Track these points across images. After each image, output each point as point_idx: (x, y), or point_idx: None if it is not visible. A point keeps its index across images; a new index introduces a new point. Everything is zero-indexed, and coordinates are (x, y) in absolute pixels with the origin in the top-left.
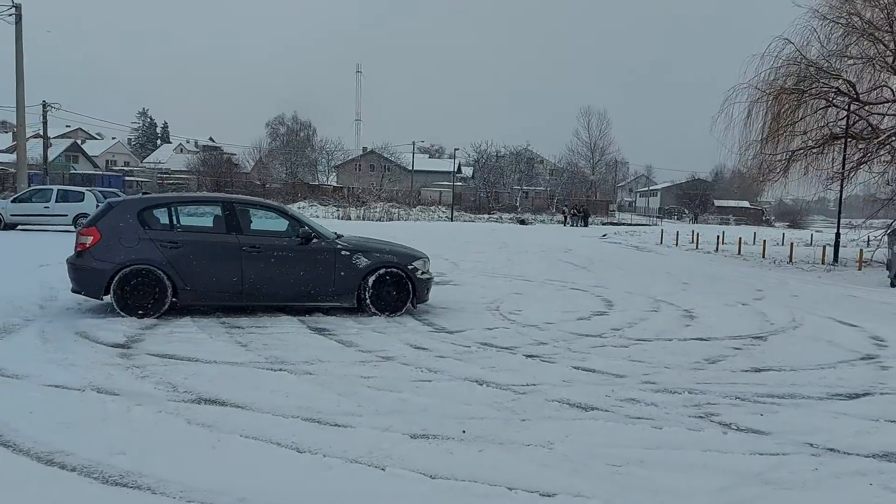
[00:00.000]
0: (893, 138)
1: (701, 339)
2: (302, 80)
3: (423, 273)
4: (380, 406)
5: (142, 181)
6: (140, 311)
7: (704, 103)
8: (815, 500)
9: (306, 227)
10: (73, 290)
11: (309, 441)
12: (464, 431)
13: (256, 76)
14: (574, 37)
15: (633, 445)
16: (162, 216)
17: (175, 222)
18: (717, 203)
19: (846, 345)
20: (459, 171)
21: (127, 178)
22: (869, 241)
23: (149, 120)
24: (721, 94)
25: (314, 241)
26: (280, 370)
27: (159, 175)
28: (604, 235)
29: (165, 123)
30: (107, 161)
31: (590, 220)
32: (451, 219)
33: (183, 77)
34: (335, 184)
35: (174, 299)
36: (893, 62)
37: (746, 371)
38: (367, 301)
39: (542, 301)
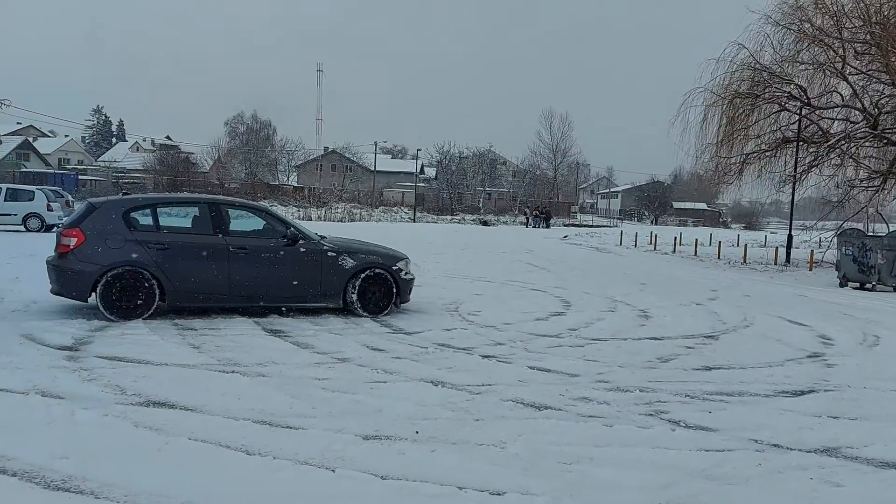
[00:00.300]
0: (843, 142)
1: (655, 339)
2: (262, 78)
3: (406, 274)
4: (333, 407)
5: (96, 179)
6: (127, 313)
7: (664, 106)
8: (757, 494)
9: (293, 229)
10: (54, 293)
11: (259, 443)
12: (417, 432)
13: (215, 74)
14: (536, 40)
15: (584, 443)
16: (147, 217)
17: (160, 224)
18: (676, 205)
19: (794, 343)
20: (422, 172)
21: (81, 176)
22: (820, 242)
23: (104, 117)
24: (678, 98)
25: (300, 242)
26: (233, 372)
27: (114, 174)
28: (565, 237)
29: (121, 121)
30: (59, 159)
31: (552, 221)
32: (414, 220)
33: (139, 74)
34: (296, 184)
35: (161, 301)
36: (842, 68)
37: (697, 369)
38: (355, 301)
39: (501, 302)
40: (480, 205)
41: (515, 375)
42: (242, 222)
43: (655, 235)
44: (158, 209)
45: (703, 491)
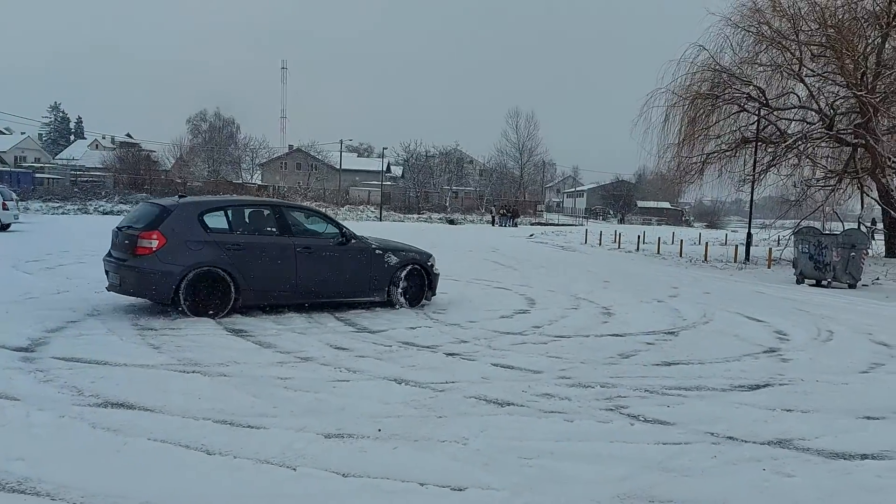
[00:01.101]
0: (800, 143)
1: (616, 335)
2: (225, 76)
3: (435, 269)
4: (295, 406)
5: (53, 178)
6: (210, 312)
7: (628, 107)
8: (712, 485)
9: (346, 229)
10: (131, 294)
11: (220, 443)
12: (379, 430)
13: (177, 71)
14: (502, 40)
15: (545, 438)
16: (220, 220)
17: (233, 225)
18: (640, 204)
19: (751, 339)
20: (389, 170)
21: (37, 175)
22: (779, 240)
23: (61, 114)
24: (642, 99)
25: (353, 241)
26: (193, 372)
27: (73, 172)
28: (531, 235)
29: (79, 118)
30: (15, 157)
31: (518, 220)
32: (380, 218)
33: (98, 70)
34: (260, 182)
35: (236, 298)
36: (799, 70)
37: (657, 365)
38: (398, 295)
39: (466, 300)
40: (447, 203)
41: (479, 373)
42: (303, 224)
43: (619, 234)
44: (230, 212)
45: (660, 483)
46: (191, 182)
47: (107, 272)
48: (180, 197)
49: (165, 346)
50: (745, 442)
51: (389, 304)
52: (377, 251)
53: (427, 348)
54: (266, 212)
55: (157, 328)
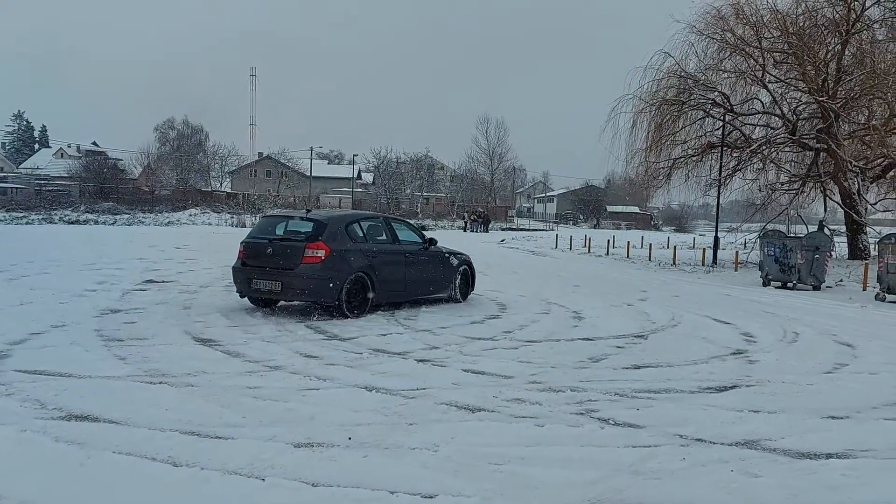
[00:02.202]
0: (764, 147)
1: (587, 339)
2: (193, 84)
3: (474, 268)
4: (264, 416)
5: (16, 187)
6: (355, 312)
7: (597, 112)
8: (681, 487)
9: (427, 236)
10: (295, 299)
11: (186, 454)
12: (349, 438)
13: (144, 78)
14: (471, 47)
15: (516, 444)
16: (358, 231)
17: (367, 236)
18: (610, 209)
19: (719, 341)
20: (360, 177)
21: (0, 184)
22: (745, 243)
23: (25, 122)
24: (610, 105)
25: (432, 247)
26: (160, 383)
27: (37, 181)
28: (502, 241)
29: (44, 126)
30: None
31: (490, 225)
32: None
33: (63, 77)
34: (229, 190)
35: (372, 299)
36: (763, 76)
37: (627, 368)
38: (457, 291)
39: (435, 306)
40: (418, 210)
41: (450, 379)
42: (400, 233)
43: (589, 239)
44: (361, 224)
45: (630, 486)
46: (158, 190)
47: (247, 280)
48: (307, 211)
49: (132, 358)
50: (714, 443)
51: (453, 299)
52: (446, 254)
53: (398, 355)
54: (380, 224)
55: (123, 339)
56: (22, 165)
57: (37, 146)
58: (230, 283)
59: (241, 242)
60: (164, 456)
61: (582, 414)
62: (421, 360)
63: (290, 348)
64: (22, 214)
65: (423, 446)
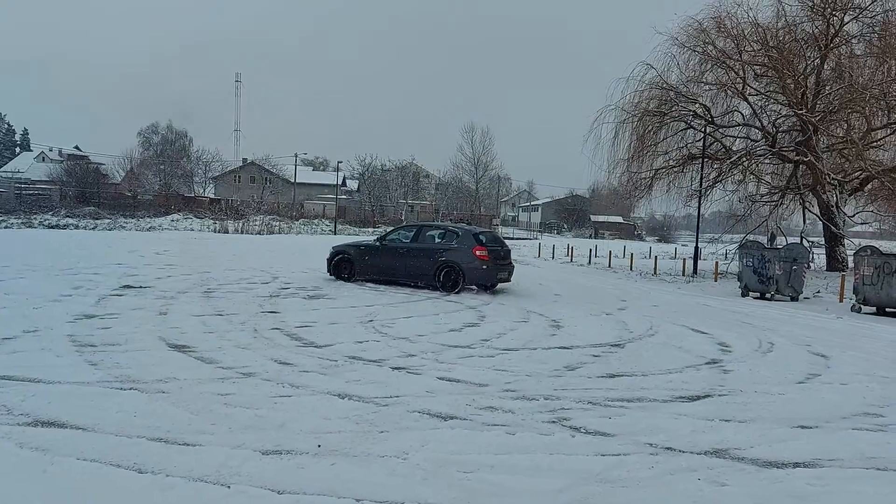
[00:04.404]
0: (744, 159)
1: (564, 348)
2: (178, 89)
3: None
4: (234, 423)
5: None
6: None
7: (580, 122)
8: (647, 495)
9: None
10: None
11: (153, 461)
12: (319, 446)
13: (128, 82)
14: (457, 55)
15: (486, 451)
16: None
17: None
18: (594, 218)
19: (695, 351)
20: (344, 184)
21: None
22: (726, 254)
23: (6, 126)
24: (592, 115)
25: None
26: (131, 389)
27: (17, 185)
28: None
29: (25, 130)
30: None
31: None
32: (335, 232)
33: (46, 81)
34: (213, 195)
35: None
36: (743, 89)
37: (601, 377)
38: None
39: (416, 314)
40: (403, 217)
41: (424, 386)
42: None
43: (572, 248)
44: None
45: (597, 493)
46: (141, 195)
47: (495, 274)
48: (469, 224)
49: (104, 363)
50: (683, 452)
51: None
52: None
53: (373, 362)
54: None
55: (96, 345)
56: (2, 169)
57: (18, 150)
58: (208, 290)
59: (486, 249)
60: (130, 462)
61: (554, 422)
62: (396, 368)
63: (265, 355)
64: (1, 218)
65: (392, 454)
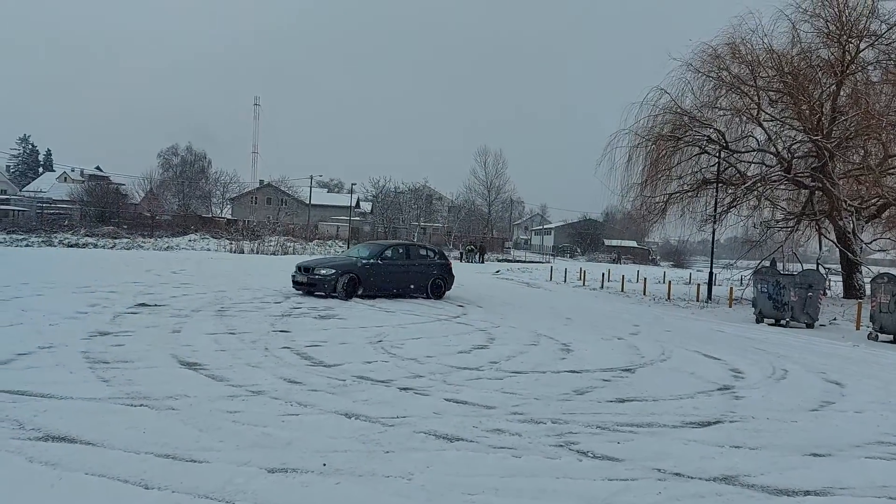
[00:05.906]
0: (759, 185)
1: (573, 372)
2: (197, 111)
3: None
4: (241, 441)
5: (20, 210)
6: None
7: (594, 146)
8: None
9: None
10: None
11: (159, 477)
12: (324, 464)
13: (149, 106)
14: (473, 82)
15: (492, 474)
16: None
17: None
18: (608, 242)
19: (707, 377)
20: (358, 206)
21: (2, 207)
22: (741, 280)
23: (30, 147)
24: (606, 139)
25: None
26: (141, 406)
27: (39, 205)
28: (497, 272)
29: (49, 151)
30: None
31: (486, 256)
32: None
33: (69, 103)
34: (230, 216)
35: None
36: (758, 114)
37: (611, 401)
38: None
39: (425, 335)
40: (415, 239)
41: (431, 408)
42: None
43: (584, 272)
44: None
45: None
46: (160, 215)
47: None
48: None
49: (115, 380)
50: (692, 478)
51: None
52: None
53: (381, 382)
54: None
55: (109, 361)
56: (26, 188)
57: (41, 170)
58: (222, 308)
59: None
60: (137, 478)
61: (561, 446)
62: (404, 389)
63: (275, 373)
64: (22, 237)
65: (397, 474)
